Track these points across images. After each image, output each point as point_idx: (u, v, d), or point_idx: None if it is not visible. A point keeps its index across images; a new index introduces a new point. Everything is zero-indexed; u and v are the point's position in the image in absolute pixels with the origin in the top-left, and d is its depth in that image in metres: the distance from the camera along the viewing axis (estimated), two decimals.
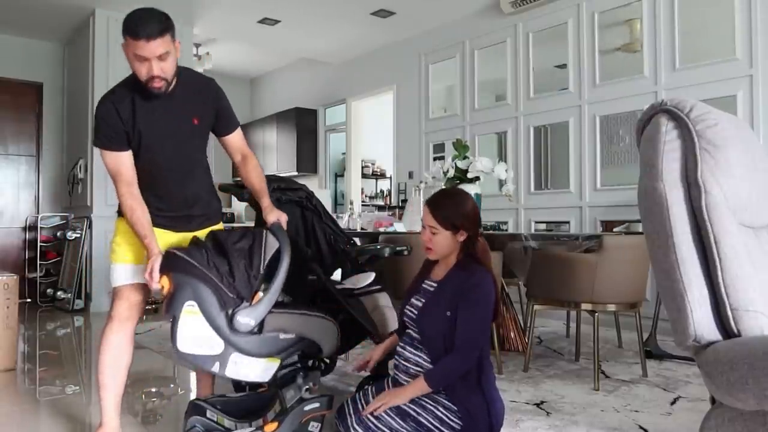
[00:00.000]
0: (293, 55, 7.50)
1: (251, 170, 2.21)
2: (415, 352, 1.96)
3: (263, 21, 5.84)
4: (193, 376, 3.11)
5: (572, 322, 4.08)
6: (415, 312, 1.99)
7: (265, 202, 2.18)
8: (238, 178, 2.43)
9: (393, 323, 2.46)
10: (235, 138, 2.21)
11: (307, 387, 2.00)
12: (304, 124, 7.70)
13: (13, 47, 6.14)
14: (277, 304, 1.93)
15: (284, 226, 2.11)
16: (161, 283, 1.85)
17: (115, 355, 2.08)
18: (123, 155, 1.98)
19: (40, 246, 5.95)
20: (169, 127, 2.02)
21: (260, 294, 1.89)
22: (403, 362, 1.99)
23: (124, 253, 2.06)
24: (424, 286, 2.06)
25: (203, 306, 1.79)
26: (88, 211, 5.56)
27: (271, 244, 1.99)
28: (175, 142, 2.04)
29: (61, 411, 2.56)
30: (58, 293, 5.68)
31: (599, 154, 4.64)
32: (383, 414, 1.85)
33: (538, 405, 2.53)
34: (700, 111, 1.29)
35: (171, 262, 1.86)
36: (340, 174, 7.93)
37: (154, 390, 2.87)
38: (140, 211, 1.96)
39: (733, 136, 1.30)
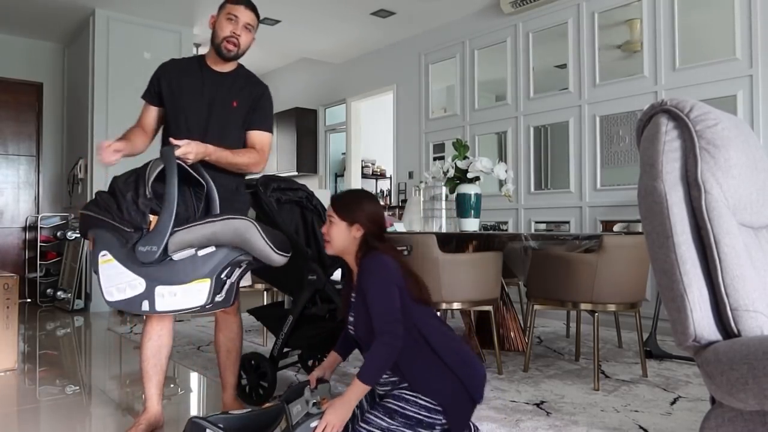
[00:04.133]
0: (293, 55, 7.50)
1: (245, 150, 2.28)
2: None
3: (263, 21, 5.84)
4: (194, 375, 3.11)
5: (572, 322, 4.08)
6: (352, 327, 1.99)
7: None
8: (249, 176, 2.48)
9: None
10: (257, 135, 2.32)
11: (315, 401, 1.86)
12: (304, 124, 7.70)
13: (13, 47, 6.14)
14: (182, 224, 1.89)
15: (188, 154, 2.01)
16: (90, 248, 1.91)
17: (156, 346, 2.17)
18: (149, 108, 2.30)
19: (40, 246, 5.95)
20: (208, 97, 2.23)
21: (156, 217, 1.88)
22: None
23: None
24: (351, 301, 2.01)
25: (112, 250, 1.81)
26: None
27: (154, 166, 1.96)
28: (210, 112, 2.23)
29: (61, 411, 2.56)
30: (58, 293, 5.68)
31: (599, 154, 4.65)
32: (371, 417, 1.83)
33: (538, 405, 2.53)
34: (700, 111, 1.29)
35: (81, 223, 1.90)
36: (340, 174, 7.93)
37: None
38: (136, 133, 2.24)
39: (733, 136, 1.30)
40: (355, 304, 1.95)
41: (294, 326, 2.57)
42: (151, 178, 1.91)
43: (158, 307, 1.81)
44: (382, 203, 8.30)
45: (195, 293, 1.84)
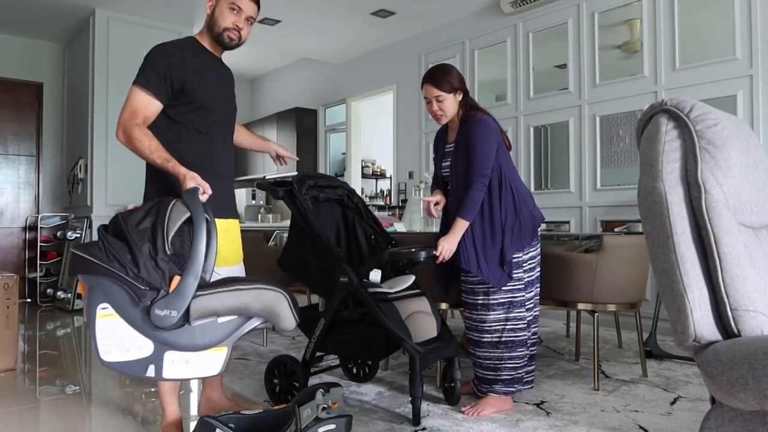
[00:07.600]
0: (293, 55, 7.50)
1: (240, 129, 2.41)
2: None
3: (263, 21, 5.84)
4: None
5: (572, 322, 4.08)
6: (448, 170, 2.54)
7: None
8: (271, 177, 2.45)
9: (431, 330, 2.37)
10: None
11: (325, 406, 1.82)
12: (304, 124, 7.70)
13: (13, 47, 6.14)
14: (205, 285, 1.64)
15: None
16: (80, 290, 1.63)
17: None
18: (154, 103, 1.98)
19: (40, 246, 5.95)
20: (220, 88, 2.19)
21: (178, 278, 1.60)
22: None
23: None
24: (446, 150, 2.58)
25: (117, 306, 1.55)
26: (88, 211, 5.56)
27: (176, 215, 1.67)
28: (225, 103, 2.21)
29: (61, 411, 2.56)
30: (58, 293, 5.68)
31: (599, 154, 4.64)
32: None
33: (538, 405, 2.53)
34: (700, 111, 1.29)
35: (75, 264, 1.61)
36: (340, 174, 7.92)
37: (154, 390, 2.86)
38: (154, 139, 1.91)
39: (733, 136, 1.30)
40: (455, 152, 2.49)
41: (326, 330, 2.47)
42: (173, 230, 1.64)
43: (165, 374, 1.59)
44: (381, 203, 8.31)
45: (210, 362, 1.64)
